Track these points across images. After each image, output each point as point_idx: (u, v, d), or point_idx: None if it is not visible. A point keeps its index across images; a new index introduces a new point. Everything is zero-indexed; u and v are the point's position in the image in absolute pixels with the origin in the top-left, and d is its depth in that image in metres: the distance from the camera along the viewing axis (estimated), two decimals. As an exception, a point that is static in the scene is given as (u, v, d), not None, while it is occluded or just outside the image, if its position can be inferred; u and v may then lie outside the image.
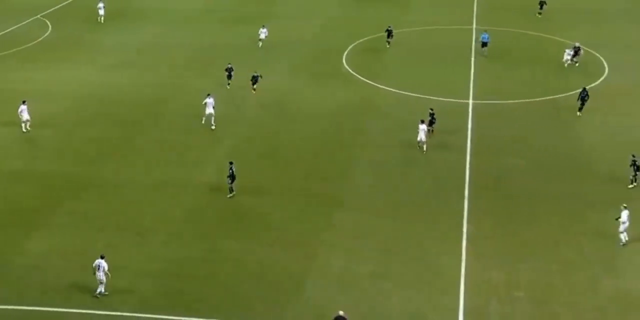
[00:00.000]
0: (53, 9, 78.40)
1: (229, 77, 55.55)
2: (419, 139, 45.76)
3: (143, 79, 58.72)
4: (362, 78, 58.92)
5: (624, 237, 36.30)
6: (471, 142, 47.43)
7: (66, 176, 43.18)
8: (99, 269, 32.06)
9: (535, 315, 31.82)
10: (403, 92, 55.85)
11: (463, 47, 66.05)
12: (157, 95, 55.29)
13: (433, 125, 47.59)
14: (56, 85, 57.12)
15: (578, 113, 51.37)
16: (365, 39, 68.65)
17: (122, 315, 31.48)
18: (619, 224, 36.24)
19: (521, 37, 69.85)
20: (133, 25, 73.14)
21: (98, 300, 32.20)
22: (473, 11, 77.87)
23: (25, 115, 48.09)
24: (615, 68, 60.65)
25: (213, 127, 48.69)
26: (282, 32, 69.07)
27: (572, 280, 33.96)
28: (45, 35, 69.78)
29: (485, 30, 66.08)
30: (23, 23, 73.24)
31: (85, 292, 32.70)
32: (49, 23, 73.18)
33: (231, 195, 40.59)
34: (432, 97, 54.31)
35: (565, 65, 60.58)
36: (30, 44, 67.01)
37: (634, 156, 41.97)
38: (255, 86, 54.43)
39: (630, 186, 41.82)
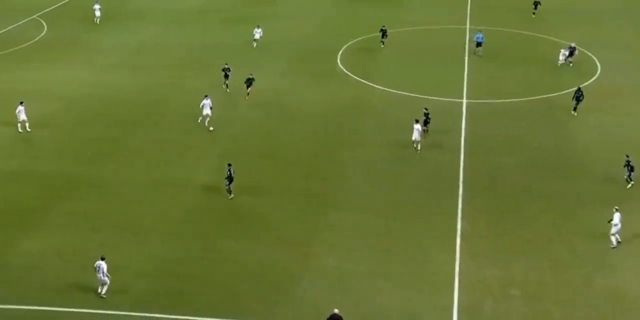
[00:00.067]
0: (49, 9, 78.47)
1: (226, 77, 55.58)
2: (413, 138, 46.07)
3: (140, 79, 58.88)
4: (356, 78, 59.21)
5: (615, 239, 36.39)
6: (465, 142, 47.71)
7: (64, 176, 43.37)
8: (98, 270, 32.25)
9: (529, 313, 32.11)
10: (397, 92, 56.16)
11: (457, 47, 66.36)
12: (155, 95, 55.49)
13: (428, 125, 47.84)
14: (53, 85, 57.24)
15: (573, 112, 51.69)
16: (360, 38, 68.92)
17: (120, 315, 31.65)
18: (611, 226, 36.37)
19: (515, 36, 70.19)
20: (129, 25, 73.26)
21: (96, 299, 32.36)
22: (467, 11, 78.20)
23: (22, 116, 48.25)
24: (608, 68, 61.01)
25: (211, 128, 48.89)
26: (276, 32, 69.29)
27: (565, 278, 34.27)
28: (41, 35, 69.87)
29: (480, 30, 66.43)
30: (19, 23, 73.31)
31: (84, 291, 32.88)
32: (44, 23, 73.26)
33: (231, 197, 40.76)
34: (426, 97, 54.62)
35: (559, 65, 60.86)
36: (26, 44, 67.10)
37: (627, 157, 42.25)
38: (249, 89, 54.14)
39: (628, 186, 42.04)
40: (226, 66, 55.90)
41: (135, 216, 39.21)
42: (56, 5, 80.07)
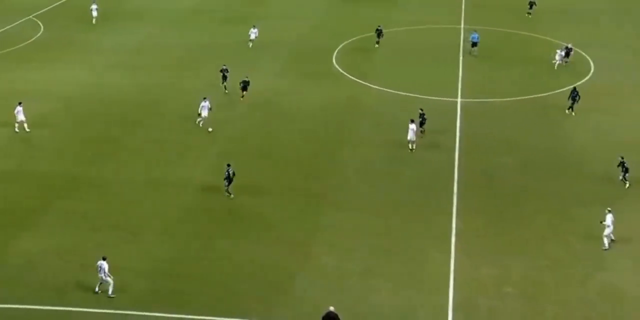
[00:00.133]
0: (45, 9, 78.44)
1: (224, 78, 55.57)
2: (409, 138, 46.31)
3: (138, 79, 59.03)
4: (352, 77, 59.49)
5: (607, 241, 36.44)
6: (460, 141, 48.00)
7: (64, 176, 43.50)
8: (100, 270, 32.42)
9: (524, 311, 32.34)
10: (393, 91, 56.46)
11: (451, 46, 66.65)
12: (154, 95, 55.64)
13: (423, 126, 48.08)
14: (51, 85, 57.33)
15: (567, 111, 51.89)
16: (355, 38, 69.17)
17: (119, 314, 31.82)
18: (604, 227, 36.44)
19: (510, 36, 70.52)
20: (126, 25, 73.33)
21: (96, 299, 32.55)
22: (461, 11, 78.50)
23: (21, 117, 48.39)
24: (601, 67, 61.39)
25: (210, 129, 49.06)
26: (272, 32, 69.49)
27: (561, 277, 34.50)
28: (38, 35, 69.92)
29: (475, 30, 66.68)
30: (15, 24, 73.33)
31: (83, 291, 33.04)
32: (40, 24, 73.29)
33: (231, 197, 40.88)
34: (421, 96, 54.95)
35: (555, 66, 60.96)
36: (23, 44, 67.14)
37: (622, 158, 42.37)
38: (244, 92, 54.04)
39: (626, 186, 42.22)
40: (224, 67, 55.90)
41: (134, 216, 39.38)
42: (52, 6, 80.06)
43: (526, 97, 55.31)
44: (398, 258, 35.87)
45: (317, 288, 33.62)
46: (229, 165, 40.95)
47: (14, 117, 48.53)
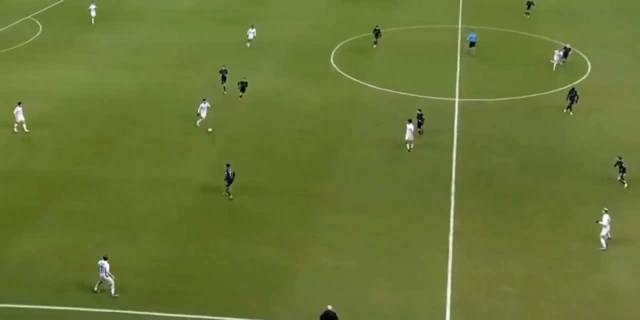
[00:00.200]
0: (43, 9, 78.50)
1: (224, 79, 55.53)
2: (406, 138, 46.47)
3: (138, 79, 59.14)
4: (350, 77, 59.65)
5: (604, 241, 36.50)
6: (457, 140, 48.16)
7: (63, 176, 43.65)
8: (101, 269, 32.56)
9: (522, 310, 32.50)
10: (391, 91, 56.64)
11: (449, 46, 66.82)
12: (153, 95, 55.77)
13: (422, 126, 48.25)
14: (51, 85, 57.43)
15: (565, 110, 52.08)
16: (352, 38, 69.33)
17: (119, 313, 31.99)
18: (601, 228, 36.48)
19: (507, 36, 70.69)
20: (125, 25, 73.42)
21: (95, 298, 32.69)
22: (459, 11, 78.69)
23: (20, 117, 48.49)
24: (598, 67, 61.56)
25: (210, 130, 49.15)
26: (272, 32, 69.60)
27: (559, 276, 34.66)
28: (36, 35, 70.00)
29: (473, 30, 66.90)
30: (13, 24, 73.42)
31: (83, 290, 33.18)
32: (39, 24, 73.38)
33: (231, 197, 41.02)
34: (419, 95, 55.13)
35: (554, 67, 60.98)
36: (21, 45, 67.23)
37: (620, 158, 42.41)
38: (242, 93, 54.10)
39: (625, 186, 42.33)
40: (223, 68, 55.82)
41: (134, 216, 39.52)
42: (51, 6, 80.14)
43: (524, 97, 55.51)
44: (397, 258, 36.04)
45: (316, 288, 33.75)
46: (228, 166, 41.08)
47: (14, 117, 48.64)
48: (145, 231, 38.13)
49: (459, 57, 64.13)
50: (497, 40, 69.10)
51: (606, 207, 37.07)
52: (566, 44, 62.98)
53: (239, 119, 51.50)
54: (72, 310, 32.15)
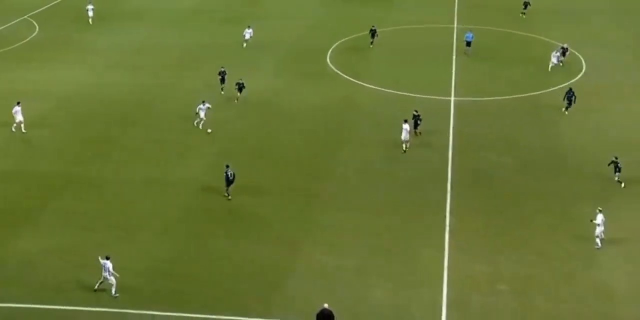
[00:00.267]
0: (40, 9, 78.51)
1: (222, 80, 55.48)
2: (402, 138, 46.63)
3: (137, 79, 59.23)
4: (346, 77, 59.84)
5: (599, 240, 36.68)
6: (453, 139, 48.34)
7: (63, 175, 43.75)
8: (104, 269, 32.69)
9: (517, 308, 32.72)
10: (387, 90, 56.85)
11: (445, 46, 67.04)
12: (153, 95, 55.87)
13: (419, 127, 48.37)
14: (49, 85, 57.51)
15: (563, 110, 52.31)
16: (349, 38, 69.52)
17: (118, 313, 32.14)
18: (595, 227, 36.66)
19: (504, 36, 70.90)
20: (122, 25, 73.49)
21: (95, 298, 32.81)
22: (454, 10, 78.93)
23: (19, 117, 48.57)
24: (593, 67, 61.82)
25: (209, 131, 49.26)
26: (266, 32, 69.67)
27: (553, 274, 34.89)
28: (33, 35, 70.04)
29: (470, 30, 67.12)
30: (9, 24, 73.44)
31: (82, 290, 33.31)
32: (35, 24, 73.41)
33: (230, 198, 41.10)
34: (414, 95, 55.36)
35: (549, 68, 60.99)
36: (18, 44, 67.29)
37: (616, 158, 42.52)
38: (239, 94, 54.06)
39: (623, 186, 42.45)
40: (222, 69, 55.79)
41: (134, 216, 39.64)
42: (47, 6, 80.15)
43: (520, 96, 55.72)
44: (397, 257, 36.20)
45: (316, 287, 33.88)
46: (227, 166, 41.19)
47: (12, 117, 48.72)
48: (145, 231, 38.26)
49: (454, 57, 64.34)
50: (493, 39, 69.27)
51: (600, 207, 37.23)
52: (563, 44, 63.19)
53: (238, 119, 51.62)
54: (72, 310, 32.27)
